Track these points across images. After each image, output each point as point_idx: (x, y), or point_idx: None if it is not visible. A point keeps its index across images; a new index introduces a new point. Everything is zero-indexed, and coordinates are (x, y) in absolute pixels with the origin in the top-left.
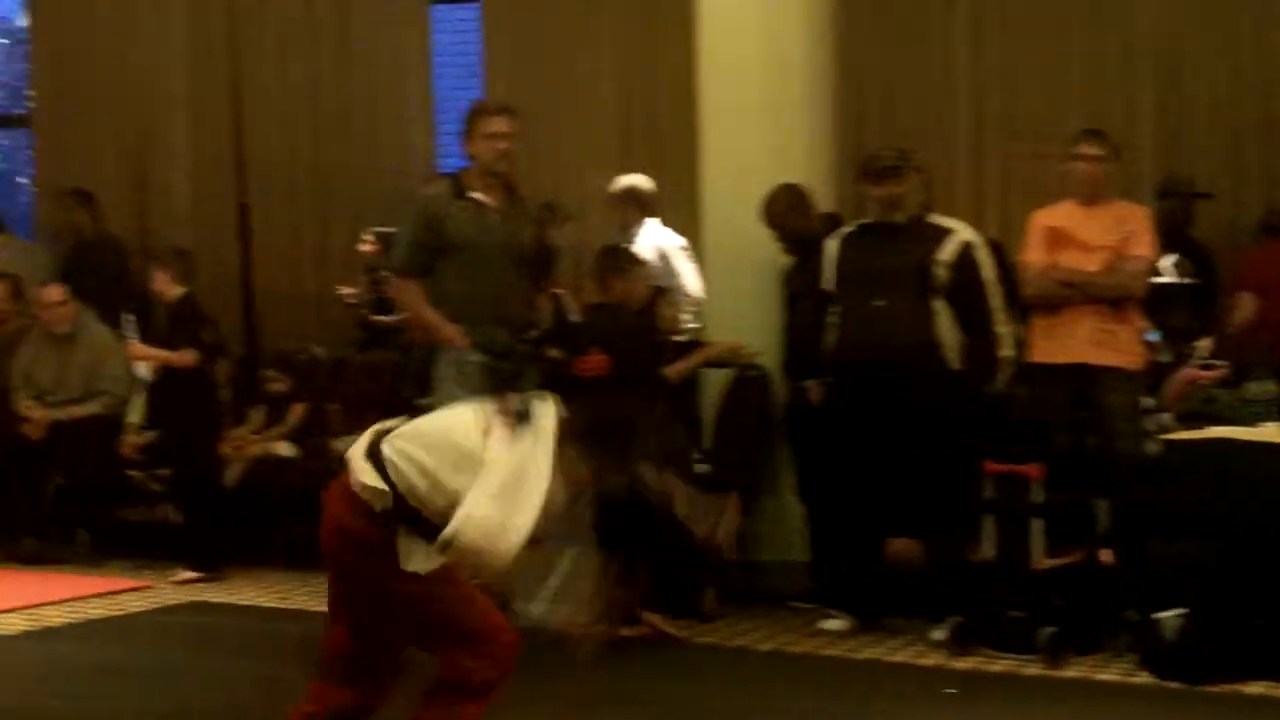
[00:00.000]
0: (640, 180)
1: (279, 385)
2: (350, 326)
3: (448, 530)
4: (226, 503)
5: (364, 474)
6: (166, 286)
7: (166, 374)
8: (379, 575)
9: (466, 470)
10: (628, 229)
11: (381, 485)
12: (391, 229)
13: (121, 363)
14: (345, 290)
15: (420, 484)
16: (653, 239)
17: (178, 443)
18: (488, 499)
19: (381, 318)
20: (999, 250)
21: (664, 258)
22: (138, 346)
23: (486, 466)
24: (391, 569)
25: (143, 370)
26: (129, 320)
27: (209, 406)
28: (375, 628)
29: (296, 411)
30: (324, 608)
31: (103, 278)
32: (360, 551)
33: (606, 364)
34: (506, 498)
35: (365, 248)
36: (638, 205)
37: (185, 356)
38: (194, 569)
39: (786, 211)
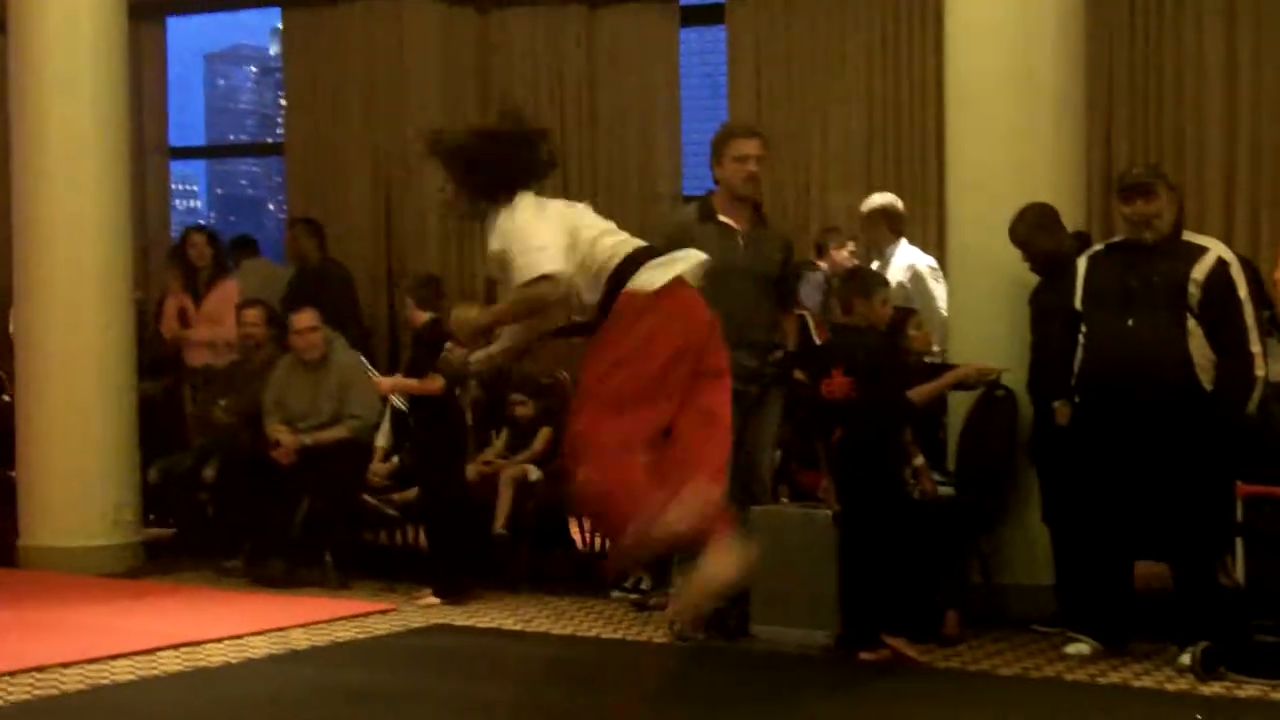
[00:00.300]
0: (892, 199)
1: (525, 409)
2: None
3: None
4: (473, 528)
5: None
6: (415, 313)
7: (414, 400)
8: None
9: None
10: (879, 248)
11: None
12: None
13: (369, 388)
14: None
15: None
16: (906, 259)
17: (424, 468)
18: None
19: None
20: (1252, 268)
21: (917, 278)
22: (383, 379)
23: None
24: None
25: (398, 401)
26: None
27: (454, 432)
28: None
29: (543, 436)
30: (563, 631)
31: (326, 305)
32: None
33: (850, 386)
34: None
35: None
36: (890, 225)
37: (431, 383)
38: (438, 595)
39: (1033, 231)
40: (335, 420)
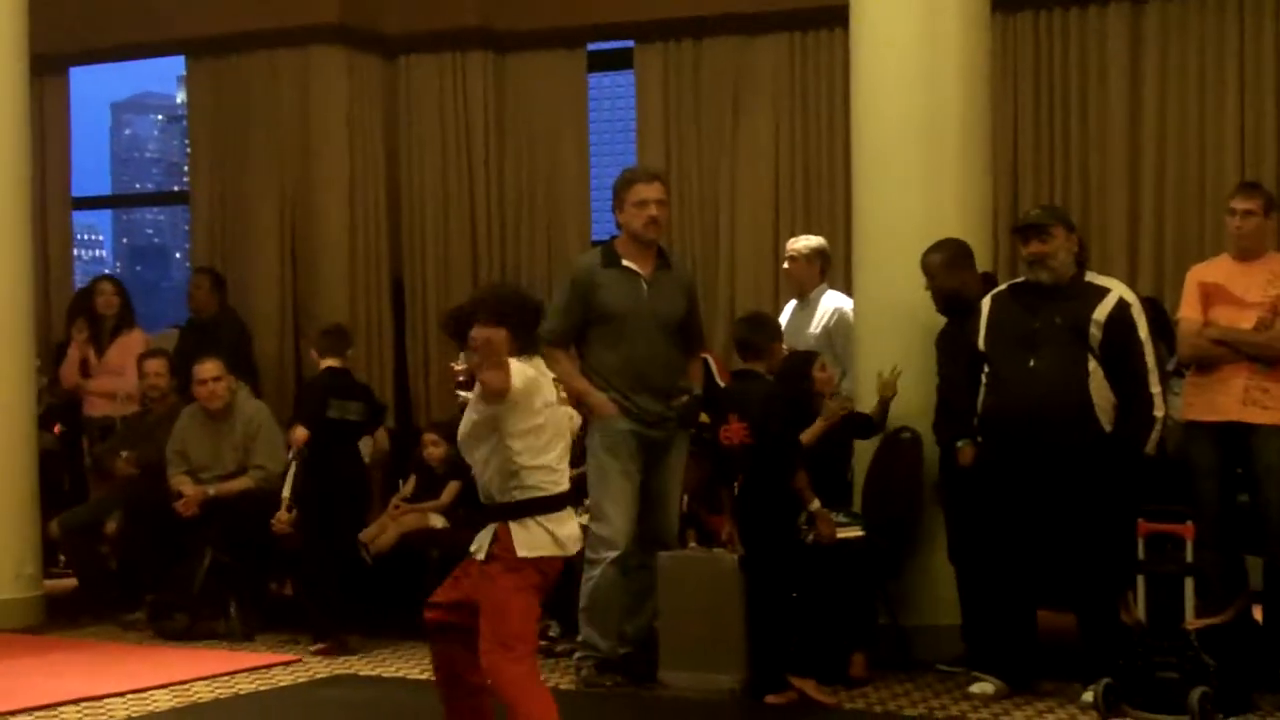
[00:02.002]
0: (825, 242)
1: (437, 449)
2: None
3: None
4: (356, 575)
5: None
6: (316, 363)
7: (313, 452)
8: None
9: None
10: (806, 291)
11: None
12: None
13: (275, 437)
14: (459, 365)
15: None
16: (832, 302)
17: (317, 518)
18: None
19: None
20: (1157, 307)
21: (843, 321)
22: (298, 430)
23: None
24: None
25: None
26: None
27: (353, 486)
28: None
29: (451, 490)
30: None
31: (221, 354)
32: None
33: (745, 431)
34: None
35: None
36: (822, 267)
37: (296, 433)
38: (319, 641)
39: (941, 267)
40: (240, 470)
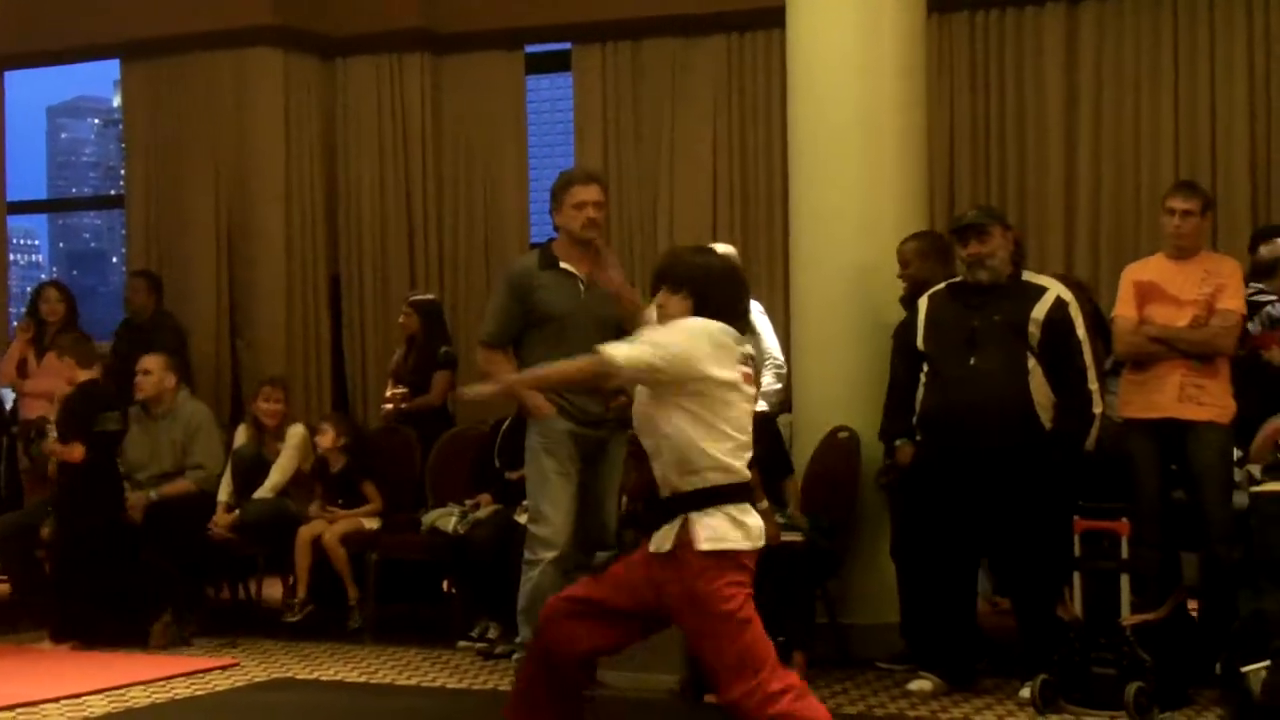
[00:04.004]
0: (734, 250)
1: (324, 439)
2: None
3: None
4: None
5: None
6: (72, 373)
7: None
8: None
9: None
10: None
11: None
12: (428, 296)
13: (215, 438)
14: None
15: None
16: None
17: (72, 516)
18: None
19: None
20: (1089, 300)
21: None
22: (56, 445)
23: None
24: None
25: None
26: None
27: (102, 489)
28: None
29: (371, 491)
30: (409, 682)
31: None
32: None
33: None
34: None
35: (402, 319)
36: None
37: (71, 452)
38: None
39: (917, 257)
40: (177, 471)
